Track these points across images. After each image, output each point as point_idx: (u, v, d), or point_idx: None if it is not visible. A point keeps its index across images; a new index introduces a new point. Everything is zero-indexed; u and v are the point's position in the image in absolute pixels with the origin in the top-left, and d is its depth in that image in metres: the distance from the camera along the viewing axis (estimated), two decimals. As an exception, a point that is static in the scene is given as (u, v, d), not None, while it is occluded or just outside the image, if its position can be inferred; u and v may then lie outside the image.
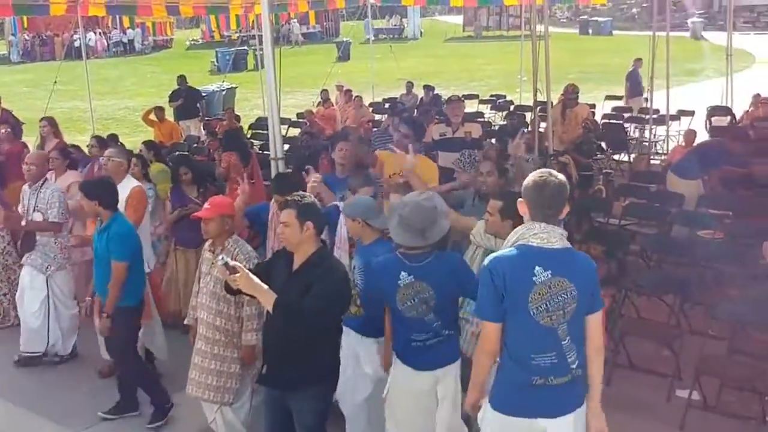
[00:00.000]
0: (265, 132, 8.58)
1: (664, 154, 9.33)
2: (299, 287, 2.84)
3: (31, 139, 8.04)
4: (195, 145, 9.39)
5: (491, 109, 12.30)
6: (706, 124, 9.67)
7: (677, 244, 5.52)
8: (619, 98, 12.01)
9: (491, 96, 13.21)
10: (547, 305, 2.44)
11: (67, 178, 5.29)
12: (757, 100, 9.80)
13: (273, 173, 4.50)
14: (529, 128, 7.81)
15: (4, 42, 32.06)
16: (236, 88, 15.01)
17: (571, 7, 33.39)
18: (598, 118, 10.32)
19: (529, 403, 2.49)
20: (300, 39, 31.26)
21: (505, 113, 11.08)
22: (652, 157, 9.29)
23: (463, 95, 10.19)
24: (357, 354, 3.46)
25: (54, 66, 12.20)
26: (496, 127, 9.96)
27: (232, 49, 21.32)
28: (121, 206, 4.15)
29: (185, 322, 3.93)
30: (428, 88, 11.64)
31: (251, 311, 3.51)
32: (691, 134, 7.61)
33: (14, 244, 5.17)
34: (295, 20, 31.07)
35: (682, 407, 3.88)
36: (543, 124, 7.45)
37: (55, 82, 9.48)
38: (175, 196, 5.23)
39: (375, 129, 9.01)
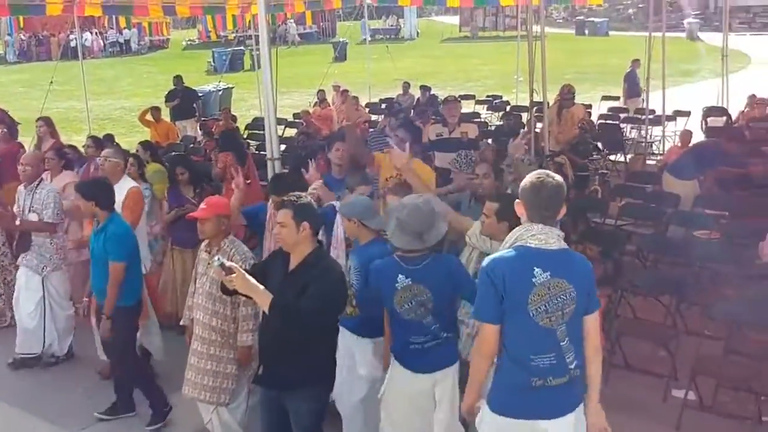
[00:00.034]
0: (262, 132, 8.57)
1: (660, 155, 9.35)
2: (295, 288, 2.84)
3: (27, 139, 8.02)
4: (191, 145, 9.38)
5: (488, 109, 12.32)
6: (701, 124, 9.70)
7: (673, 245, 5.53)
8: (616, 98, 12.03)
9: (488, 96, 13.22)
10: (546, 306, 2.45)
11: (62, 178, 5.28)
12: (753, 100, 9.84)
13: (269, 173, 4.49)
14: (526, 128, 7.82)
15: (0, 42, 31.98)
16: (233, 88, 14.99)
17: (567, 7, 33.45)
18: (594, 118, 10.35)
19: (529, 404, 2.49)
20: (296, 39, 31.24)
21: (501, 114, 11.09)
22: (648, 157, 9.31)
23: (460, 95, 10.22)
24: (353, 354, 3.46)
25: (50, 66, 12.17)
26: (493, 128, 9.97)
27: (229, 49, 21.27)
28: (117, 207, 4.14)
29: (181, 322, 3.93)
30: (425, 88, 11.65)
31: (247, 312, 3.51)
32: (687, 135, 7.63)
33: (9, 245, 5.16)
34: (292, 20, 31.07)
35: (678, 407, 3.89)
36: (539, 125, 7.46)
37: (51, 82, 9.45)
38: (172, 196, 5.22)
39: (371, 129, 9.01)
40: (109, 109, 16.97)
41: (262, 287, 2.80)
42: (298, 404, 2.98)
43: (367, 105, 12.16)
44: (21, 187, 4.84)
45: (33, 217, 4.68)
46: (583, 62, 21.11)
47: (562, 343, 2.47)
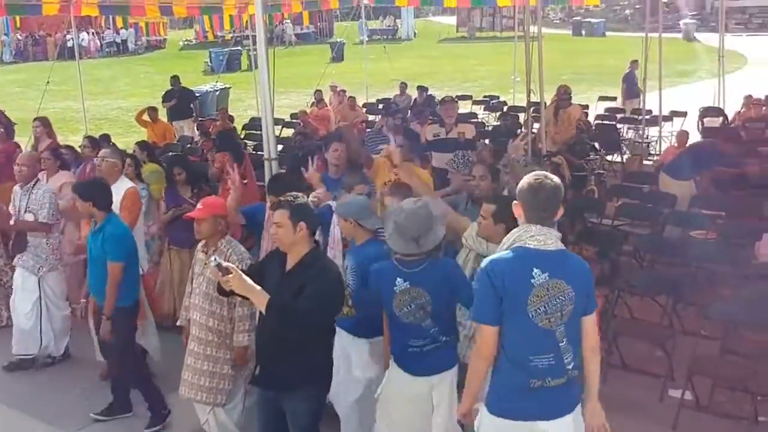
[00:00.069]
0: (259, 132, 8.57)
1: (657, 155, 9.37)
2: (292, 288, 2.83)
3: (23, 139, 8.00)
4: (188, 145, 9.37)
5: (485, 109, 12.33)
6: (698, 124, 9.73)
7: (670, 245, 5.54)
8: (612, 99, 12.05)
9: (485, 97, 13.23)
10: (545, 307, 2.45)
11: (59, 178, 5.26)
12: (749, 101, 9.88)
13: (266, 174, 4.48)
14: (524, 129, 7.83)
15: (-3, 42, 31.88)
16: (230, 88, 14.97)
17: (564, 8, 33.48)
18: (591, 118, 10.37)
19: (528, 406, 2.49)
20: (293, 39, 31.22)
21: (498, 114, 11.11)
22: (644, 157, 9.33)
23: (457, 96, 10.22)
24: (349, 355, 3.46)
25: (47, 66, 12.15)
26: (490, 128, 9.98)
27: (226, 49, 21.23)
28: (115, 207, 4.14)
29: (178, 323, 3.92)
30: (422, 88, 11.66)
31: (243, 312, 3.50)
32: (683, 135, 7.65)
33: (5, 246, 5.14)
34: (289, 21, 31.04)
35: (675, 407, 3.89)
36: (536, 125, 7.47)
37: (48, 82, 9.42)
38: (170, 196, 5.22)
39: (368, 130, 9.01)
40: (106, 109, 16.94)
41: (258, 288, 2.80)
42: (295, 405, 2.97)
43: (365, 105, 12.16)
44: (17, 188, 4.83)
45: (29, 217, 4.67)
46: (580, 63, 21.14)
47: (560, 344, 2.48)
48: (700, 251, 5.16)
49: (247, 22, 14.25)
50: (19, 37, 31.12)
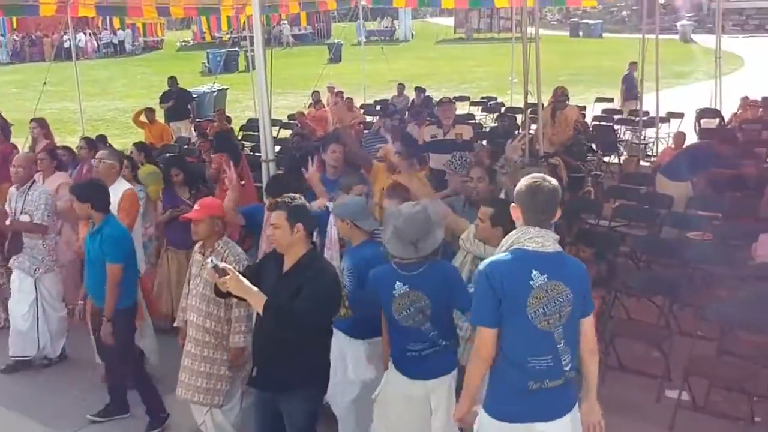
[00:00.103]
0: (256, 133, 8.53)
1: (654, 156, 9.40)
2: (289, 289, 2.83)
3: (20, 140, 7.98)
4: (186, 146, 9.35)
5: (482, 111, 12.34)
6: (695, 126, 9.75)
7: (667, 246, 5.55)
8: (610, 100, 12.08)
9: (482, 98, 13.25)
10: (544, 309, 2.45)
11: (55, 179, 5.25)
12: (746, 102, 9.90)
13: (264, 175, 4.48)
14: (521, 130, 7.84)
15: (-7, 42, 31.81)
16: (227, 89, 14.96)
17: (561, 9, 33.59)
18: (588, 120, 10.39)
19: (526, 408, 2.50)
20: (290, 40, 31.20)
21: (496, 115, 11.11)
22: (641, 158, 9.35)
23: (455, 97, 10.22)
24: (345, 356, 3.46)
25: (43, 67, 12.11)
26: (488, 129, 9.99)
27: (223, 50, 21.24)
28: (113, 209, 4.13)
29: (175, 324, 3.92)
30: (419, 89, 11.66)
31: (240, 313, 3.50)
32: (680, 136, 7.67)
33: (0, 247, 5.12)
34: (286, 22, 31.03)
35: (672, 408, 3.90)
36: (533, 126, 7.48)
37: (45, 83, 9.41)
38: (167, 197, 5.21)
39: (366, 131, 9.01)
40: (103, 110, 16.91)
41: (255, 289, 2.79)
42: (293, 406, 2.97)
43: (362, 106, 12.16)
44: (12, 189, 4.82)
45: (25, 218, 4.66)
46: (577, 64, 21.18)
47: (558, 346, 2.48)
48: (696, 252, 5.18)
49: (244, 23, 14.25)
50: (16, 37, 31.07)
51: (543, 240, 2.48)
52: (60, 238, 5.11)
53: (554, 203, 2.52)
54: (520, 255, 2.47)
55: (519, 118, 9.65)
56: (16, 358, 4.78)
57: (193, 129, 10.87)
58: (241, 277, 2.80)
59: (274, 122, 8.14)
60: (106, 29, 32.26)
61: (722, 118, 9.75)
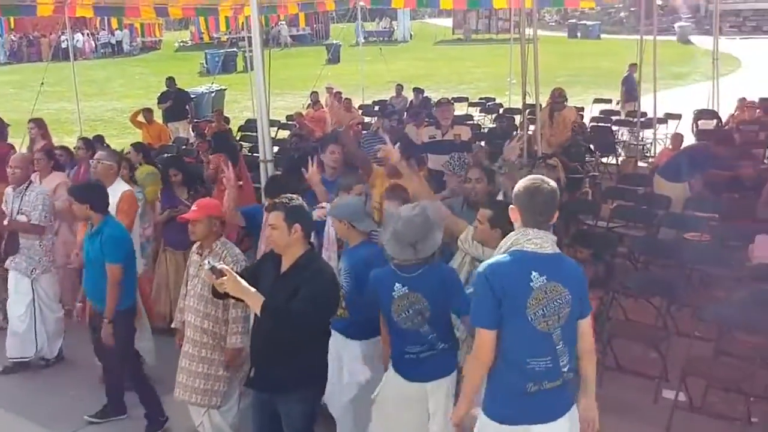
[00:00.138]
0: (255, 134, 8.55)
1: (652, 157, 9.41)
2: (287, 290, 2.83)
3: (17, 140, 7.97)
4: (184, 147, 9.34)
5: (480, 111, 12.35)
6: (692, 127, 9.77)
7: (664, 247, 5.56)
8: (608, 101, 12.10)
9: (480, 99, 13.25)
10: (543, 310, 2.45)
11: (52, 179, 5.25)
12: (743, 103, 9.93)
13: (262, 175, 4.48)
14: (519, 131, 7.85)
15: (-9, 43, 31.76)
16: (225, 90, 14.96)
17: (559, 10, 33.63)
18: (586, 121, 10.41)
19: (525, 410, 2.50)
20: (288, 41, 31.19)
21: (494, 116, 11.12)
22: (639, 159, 9.37)
23: (453, 98, 10.23)
24: (341, 356, 3.45)
25: (41, 67, 12.09)
26: (486, 130, 10.00)
27: (222, 50, 21.23)
28: (111, 210, 4.11)
29: (172, 325, 3.91)
30: (418, 90, 11.68)
31: (237, 314, 3.50)
32: (677, 138, 7.69)
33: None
34: (284, 22, 31.02)
35: (669, 408, 3.91)
36: (531, 127, 7.48)
37: (42, 83, 9.39)
38: (165, 197, 5.21)
39: (365, 131, 9.01)
40: (101, 110, 16.89)
41: (253, 290, 2.79)
42: (290, 407, 2.97)
43: (361, 107, 12.17)
44: (9, 189, 4.79)
45: (22, 219, 4.65)
46: (575, 65, 21.21)
47: (557, 347, 2.48)
48: (694, 253, 5.19)
49: (242, 23, 14.24)
50: (13, 38, 31.04)
51: (542, 241, 2.49)
52: (57, 239, 5.10)
53: (553, 205, 2.52)
54: (519, 256, 2.47)
55: (517, 118, 9.66)
56: (15, 360, 4.77)
57: (191, 129, 10.86)
58: (238, 278, 2.79)
59: (272, 123, 8.14)
60: (103, 29, 32.23)
61: (719, 120, 9.77)
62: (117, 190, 4.54)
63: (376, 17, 30.92)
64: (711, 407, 3.95)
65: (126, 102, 17.39)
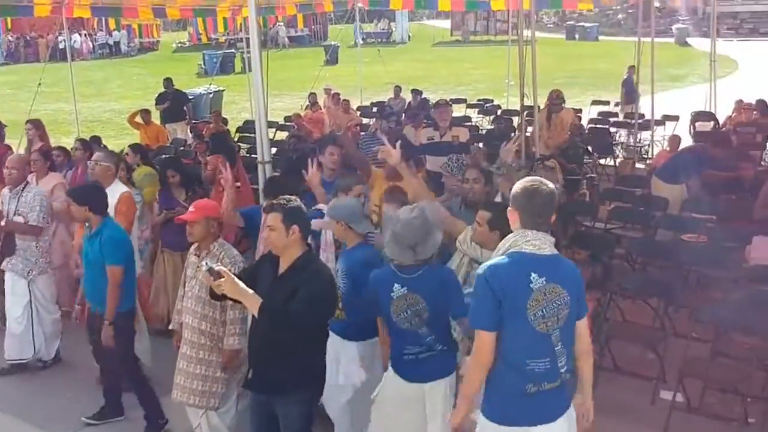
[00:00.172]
0: (253, 135, 8.55)
1: (650, 159, 9.43)
2: (285, 291, 2.83)
3: (14, 141, 7.95)
4: (181, 148, 9.34)
5: (479, 113, 12.37)
6: (690, 129, 9.79)
7: (662, 248, 5.57)
8: (606, 103, 12.12)
9: (479, 100, 13.27)
10: (543, 312, 2.46)
11: (49, 180, 5.24)
12: (740, 105, 9.95)
13: (260, 177, 4.48)
14: (517, 133, 7.86)
15: (-12, 43, 31.70)
16: (223, 91, 14.95)
17: (557, 12, 33.67)
18: (584, 122, 10.42)
19: (525, 411, 2.50)
20: (286, 42, 31.18)
21: (492, 117, 11.14)
22: (637, 161, 9.39)
23: (451, 99, 10.26)
24: (338, 358, 3.45)
25: (38, 68, 12.10)
26: (484, 132, 10.02)
27: (220, 51, 21.23)
28: (109, 211, 4.11)
29: (170, 327, 3.90)
30: (416, 92, 11.69)
31: (234, 315, 3.49)
32: (675, 139, 7.71)
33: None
34: (282, 23, 31.01)
35: (666, 409, 3.91)
36: (530, 129, 7.50)
37: (40, 83, 9.38)
38: (163, 198, 5.20)
39: (363, 133, 9.02)
40: (98, 111, 16.87)
41: (251, 291, 2.79)
42: (288, 408, 2.96)
43: (359, 108, 12.18)
44: (5, 190, 4.79)
45: (19, 220, 4.64)
46: (573, 67, 21.25)
47: (556, 348, 2.49)
48: (691, 255, 5.20)
49: (240, 24, 14.22)
50: (10, 38, 30.98)
51: (540, 243, 2.49)
52: (54, 240, 5.09)
53: (551, 207, 2.53)
54: (518, 258, 2.48)
55: (515, 120, 9.68)
56: (12, 361, 4.76)
57: (189, 130, 10.86)
58: (236, 279, 2.79)
59: (270, 124, 8.14)
60: (101, 30, 32.18)
61: (717, 121, 9.80)
62: (115, 192, 4.53)
63: (374, 18, 30.95)
64: (708, 408, 3.96)
65: (124, 103, 17.37)
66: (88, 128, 12.53)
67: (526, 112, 7.32)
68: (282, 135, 10.47)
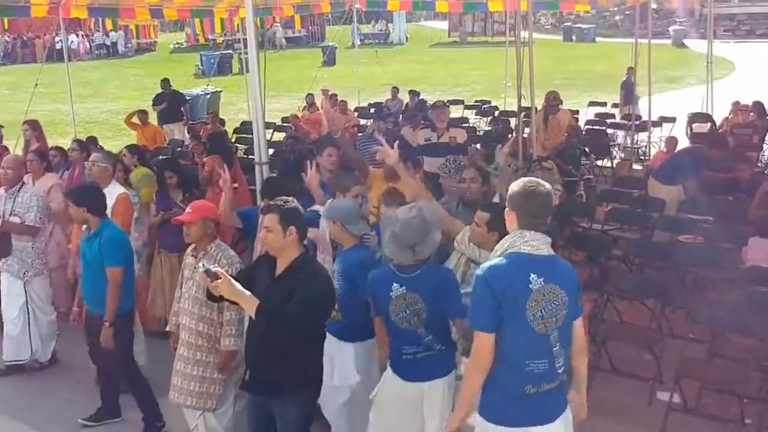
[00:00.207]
0: (250, 136, 8.50)
1: (647, 160, 9.44)
2: (282, 292, 2.83)
3: (11, 142, 7.94)
4: (179, 149, 9.33)
5: (476, 114, 12.38)
6: (687, 130, 9.82)
7: (658, 249, 5.58)
8: (603, 104, 12.14)
9: (476, 101, 13.29)
10: (542, 312, 2.47)
11: (46, 181, 5.23)
12: (737, 107, 9.97)
13: (258, 178, 4.47)
14: (513, 134, 7.87)
15: (-15, 44, 31.61)
16: (221, 91, 14.94)
17: (555, 13, 33.79)
18: (581, 123, 10.43)
19: (524, 412, 2.51)
20: (283, 43, 31.17)
21: (489, 118, 11.16)
22: (634, 162, 9.41)
23: (448, 100, 10.27)
24: (332, 359, 3.45)
25: (35, 68, 12.06)
26: (481, 133, 10.03)
27: (217, 52, 21.24)
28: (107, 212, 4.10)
29: (167, 328, 3.89)
30: (413, 93, 11.70)
31: (231, 316, 3.49)
32: (672, 141, 7.72)
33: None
34: (279, 24, 30.99)
35: (663, 410, 3.92)
36: (527, 130, 7.51)
37: (36, 84, 9.36)
38: (160, 199, 5.19)
39: (360, 134, 9.02)
40: (96, 112, 16.85)
41: (248, 292, 2.78)
42: (286, 410, 2.96)
43: (356, 109, 12.18)
44: (1, 191, 4.77)
45: (15, 221, 4.63)
46: (570, 68, 21.28)
47: (554, 349, 2.50)
48: (688, 256, 5.21)
49: (238, 25, 14.23)
50: (7, 39, 30.89)
51: (538, 243, 2.50)
52: (50, 241, 5.08)
53: (548, 207, 2.54)
54: (517, 259, 2.48)
55: (512, 121, 9.69)
56: (9, 363, 4.74)
57: (186, 131, 10.84)
58: (232, 280, 2.78)
59: (267, 125, 8.15)
60: (98, 31, 32.12)
61: (713, 123, 9.82)
62: (112, 193, 4.52)
63: (371, 19, 31.01)
64: (705, 409, 3.96)
65: (121, 104, 17.35)
66: (85, 129, 12.52)
67: (523, 114, 7.33)
68: (279, 136, 10.46)
